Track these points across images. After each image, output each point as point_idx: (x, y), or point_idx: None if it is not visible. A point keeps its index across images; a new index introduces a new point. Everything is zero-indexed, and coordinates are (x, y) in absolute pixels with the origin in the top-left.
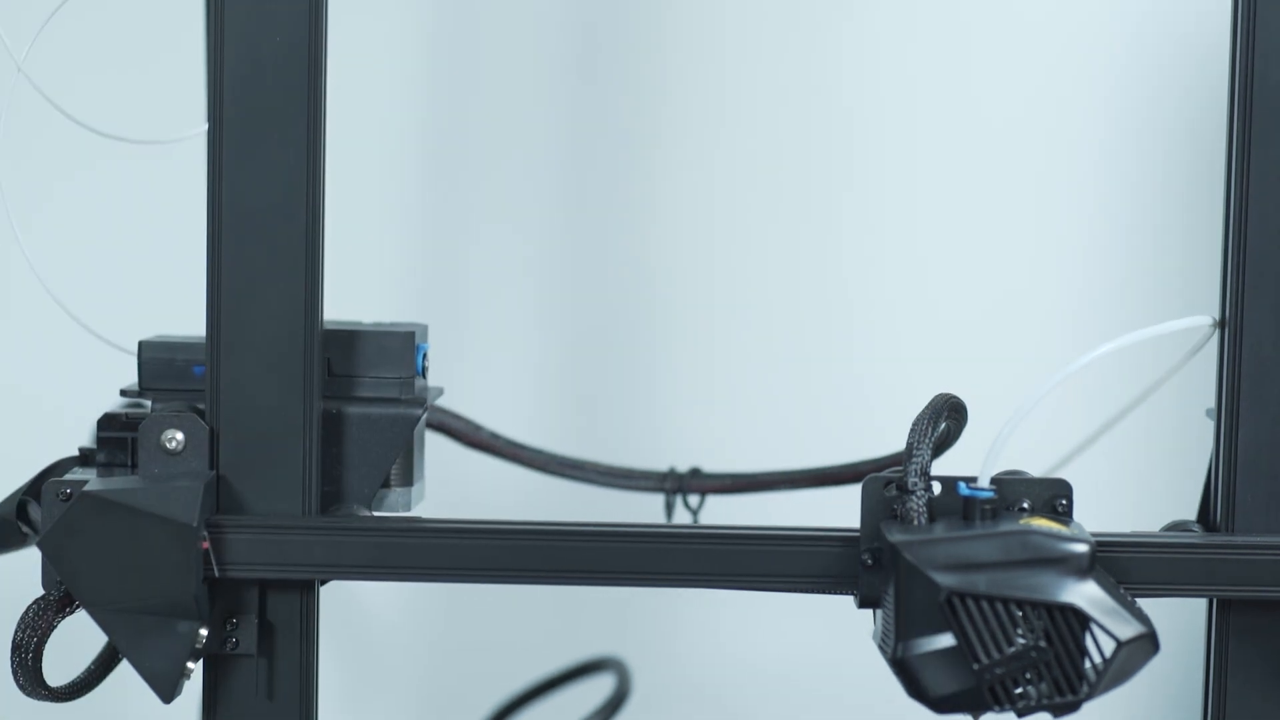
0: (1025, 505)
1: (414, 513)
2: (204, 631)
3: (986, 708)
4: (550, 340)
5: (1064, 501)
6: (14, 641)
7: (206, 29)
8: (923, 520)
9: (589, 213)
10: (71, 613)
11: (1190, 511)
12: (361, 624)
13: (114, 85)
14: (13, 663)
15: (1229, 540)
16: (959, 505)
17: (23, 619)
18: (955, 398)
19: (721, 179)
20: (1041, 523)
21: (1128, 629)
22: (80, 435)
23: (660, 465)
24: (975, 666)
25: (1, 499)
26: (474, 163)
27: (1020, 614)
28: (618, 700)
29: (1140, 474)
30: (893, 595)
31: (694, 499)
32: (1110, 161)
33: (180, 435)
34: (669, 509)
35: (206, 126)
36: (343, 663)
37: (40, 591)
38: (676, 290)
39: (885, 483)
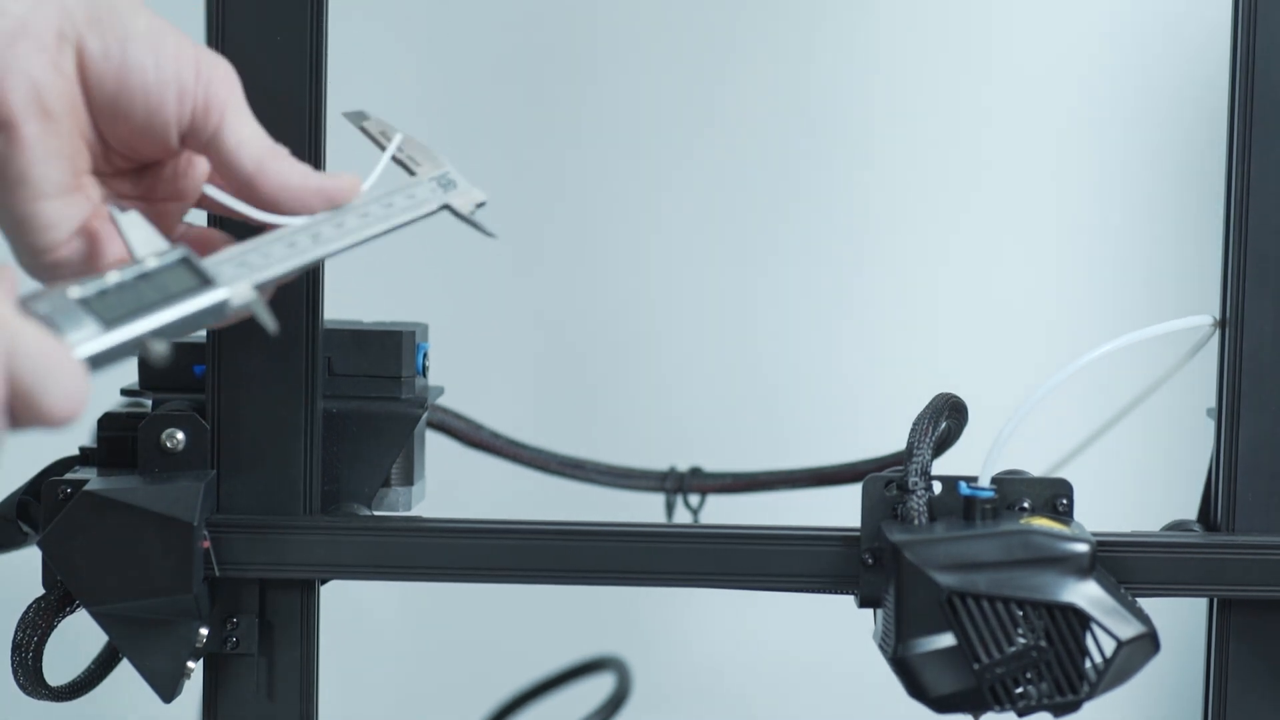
0: (1026, 505)
1: (414, 512)
2: (204, 631)
3: (987, 707)
4: (550, 340)
5: (1064, 501)
6: (14, 641)
7: (207, 29)
8: (923, 520)
9: (590, 213)
10: (71, 612)
11: (1190, 511)
12: (362, 623)
13: None
14: (13, 662)
15: (1229, 540)
16: (959, 505)
17: (23, 619)
18: (956, 397)
19: (722, 179)
20: (1042, 522)
21: (1128, 628)
22: (80, 434)
23: (660, 465)
24: (976, 666)
25: (1, 498)
26: (474, 162)
27: (1021, 613)
28: (618, 700)
29: (1140, 474)
30: (893, 595)
31: (694, 498)
32: (1110, 162)
33: (180, 434)
34: (669, 509)
35: None
36: (343, 662)
37: (40, 591)
38: (677, 290)
39: (886, 482)
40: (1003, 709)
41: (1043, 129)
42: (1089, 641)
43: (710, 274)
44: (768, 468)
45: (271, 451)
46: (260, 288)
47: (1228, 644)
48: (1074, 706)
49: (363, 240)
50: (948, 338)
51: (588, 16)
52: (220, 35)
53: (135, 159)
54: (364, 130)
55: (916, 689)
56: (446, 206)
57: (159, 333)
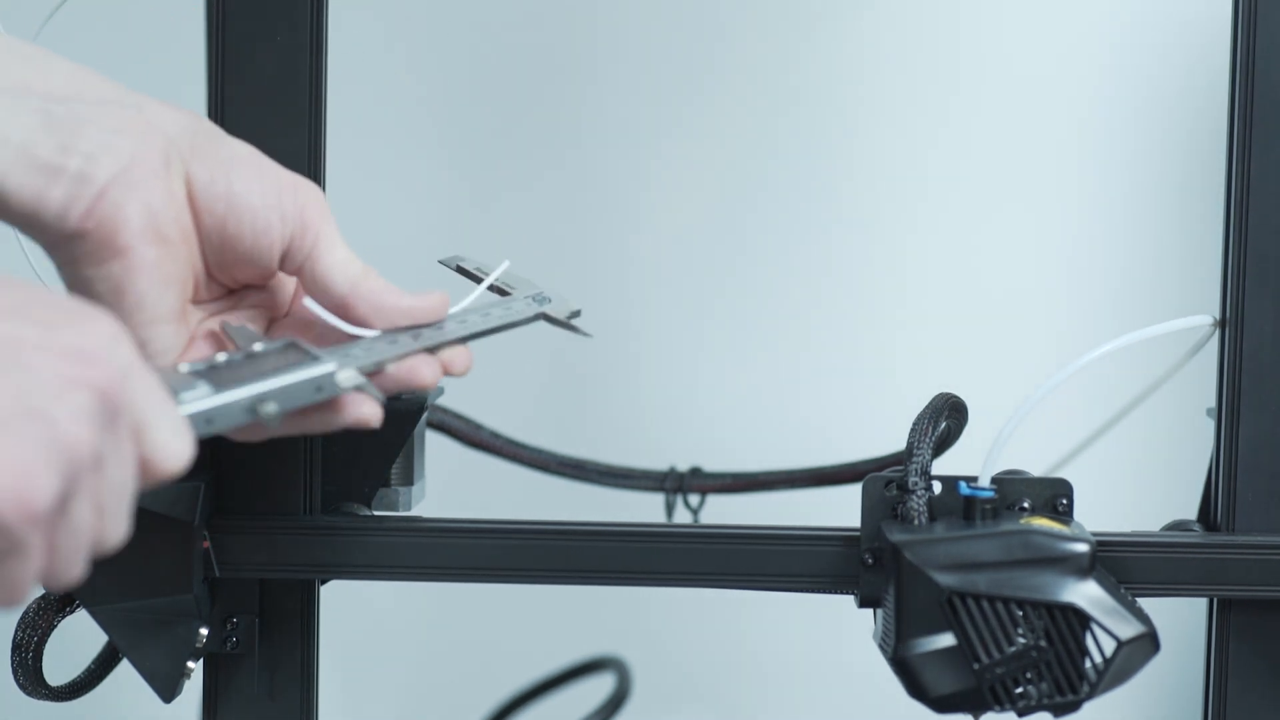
0: (1026, 505)
1: (414, 512)
2: (204, 631)
3: (987, 707)
4: (550, 340)
5: (1064, 501)
6: (14, 641)
7: (207, 28)
8: (923, 520)
9: (589, 211)
10: (71, 613)
11: (1190, 511)
12: (362, 623)
13: None
14: (13, 662)
15: (1229, 540)
16: (959, 505)
17: (23, 619)
18: (955, 397)
19: (722, 177)
20: (1042, 522)
21: (1128, 628)
22: None
23: (660, 465)
24: (976, 666)
25: None
26: (473, 160)
27: (1021, 614)
28: (618, 700)
29: (1140, 474)
30: (893, 595)
31: (694, 498)
32: (1110, 162)
33: None
34: (669, 509)
35: None
36: (342, 662)
37: (40, 591)
38: (677, 290)
39: (886, 482)
40: (1003, 709)
41: (1043, 129)
42: (1089, 641)
43: (710, 273)
44: (768, 468)
45: (271, 451)
46: (369, 374)
47: (1228, 644)
48: (1074, 706)
49: (460, 340)
50: (947, 338)
51: (587, 22)
52: (221, 34)
53: (231, 285)
54: (461, 270)
55: (916, 689)
56: (542, 315)
57: (268, 397)
